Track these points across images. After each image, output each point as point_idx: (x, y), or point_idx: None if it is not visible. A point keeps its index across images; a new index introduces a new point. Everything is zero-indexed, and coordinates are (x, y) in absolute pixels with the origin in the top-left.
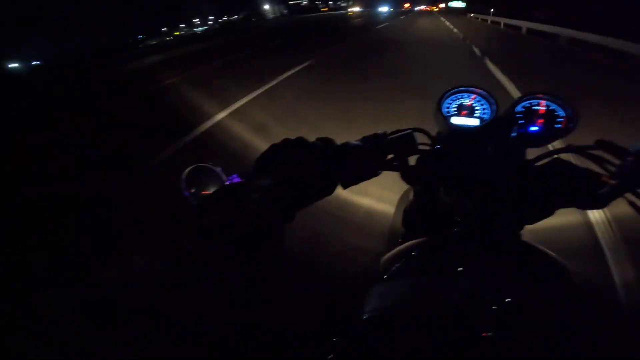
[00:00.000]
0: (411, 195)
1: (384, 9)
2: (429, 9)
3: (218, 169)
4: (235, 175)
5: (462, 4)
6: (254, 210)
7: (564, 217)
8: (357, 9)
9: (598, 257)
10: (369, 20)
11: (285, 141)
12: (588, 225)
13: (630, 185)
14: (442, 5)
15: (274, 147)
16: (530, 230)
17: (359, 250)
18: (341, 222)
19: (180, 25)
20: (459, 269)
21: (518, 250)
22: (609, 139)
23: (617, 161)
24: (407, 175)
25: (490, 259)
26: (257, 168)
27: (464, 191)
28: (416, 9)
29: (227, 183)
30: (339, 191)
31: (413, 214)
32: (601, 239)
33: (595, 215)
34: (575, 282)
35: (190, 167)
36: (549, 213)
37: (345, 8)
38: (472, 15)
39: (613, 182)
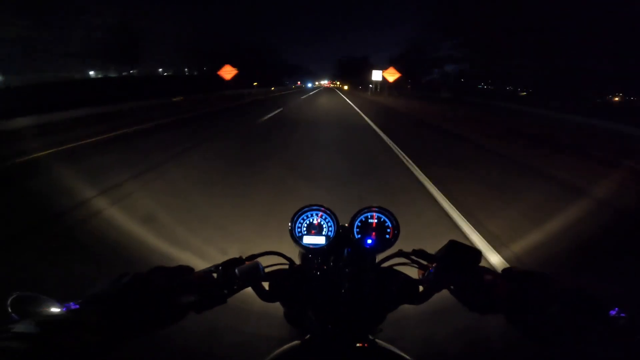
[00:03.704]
0: None
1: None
2: (329, 85)
3: (45, 297)
4: (72, 303)
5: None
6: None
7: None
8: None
9: None
10: None
11: (136, 275)
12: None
13: (438, 288)
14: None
15: (119, 278)
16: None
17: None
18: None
19: None
20: None
21: (370, 353)
22: (422, 248)
23: (430, 265)
24: (264, 296)
25: None
26: (92, 298)
27: (316, 304)
28: (309, 85)
29: (64, 310)
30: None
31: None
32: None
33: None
34: None
35: (15, 296)
36: (392, 309)
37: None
38: None
39: (425, 285)
